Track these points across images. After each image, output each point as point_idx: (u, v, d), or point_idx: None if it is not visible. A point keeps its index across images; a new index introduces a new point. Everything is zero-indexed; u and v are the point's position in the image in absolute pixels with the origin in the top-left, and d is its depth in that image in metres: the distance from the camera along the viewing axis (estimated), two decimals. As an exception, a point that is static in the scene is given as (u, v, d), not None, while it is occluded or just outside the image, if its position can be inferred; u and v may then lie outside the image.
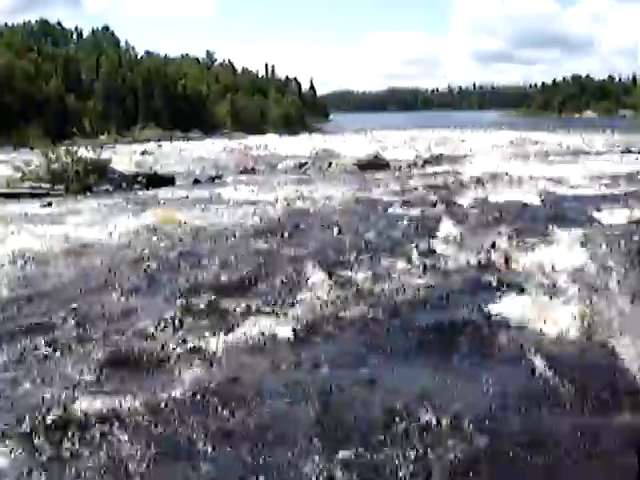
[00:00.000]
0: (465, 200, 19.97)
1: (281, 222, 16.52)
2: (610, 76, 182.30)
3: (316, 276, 11.02)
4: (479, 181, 25.19)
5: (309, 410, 6.28)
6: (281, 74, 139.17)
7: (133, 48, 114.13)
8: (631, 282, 10.42)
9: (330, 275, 10.98)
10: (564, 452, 5.70)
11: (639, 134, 50.23)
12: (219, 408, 6.29)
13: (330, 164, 33.41)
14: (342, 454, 5.50)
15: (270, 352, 7.94)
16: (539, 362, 7.43)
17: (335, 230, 15.29)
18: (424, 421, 6.06)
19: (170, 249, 13.53)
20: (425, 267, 11.74)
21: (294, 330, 8.46)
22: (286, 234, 14.84)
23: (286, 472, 5.31)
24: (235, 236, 14.80)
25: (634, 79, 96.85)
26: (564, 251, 12.57)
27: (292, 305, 9.59)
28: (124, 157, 38.46)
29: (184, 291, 10.35)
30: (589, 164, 32.20)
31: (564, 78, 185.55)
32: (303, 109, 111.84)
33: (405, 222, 16.22)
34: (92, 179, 25.37)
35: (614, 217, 16.74)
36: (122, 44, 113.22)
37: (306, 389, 6.76)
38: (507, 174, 27.56)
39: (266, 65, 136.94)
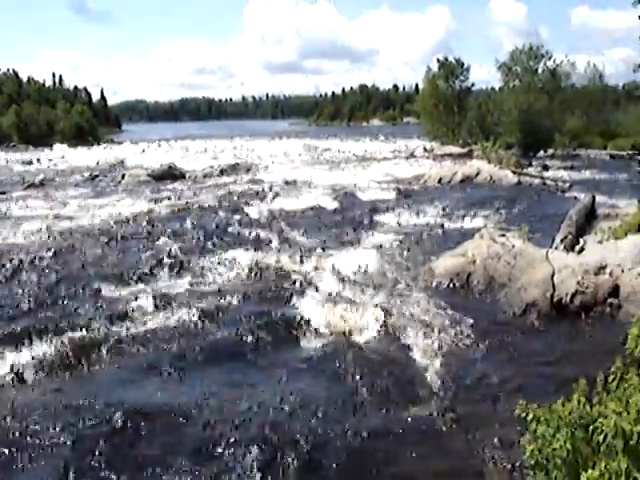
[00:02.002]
0: (261, 208, 20.17)
1: (68, 237, 15.81)
2: (395, 85, 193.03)
3: (108, 292, 10.75)
4: (275, 189, 25.58)
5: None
6: (69, 84, 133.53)
7: None
8: (419, 283, 11.02)
9: (118, 289, 10.86)
10: (369, 446, 5.92)
11: (422, 140, 53.27)
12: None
13: (123, 176, 32.40)
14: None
15: (58, 368, 7.71)
16: (342, 363, 7.67)
17: (128, 243, 14.91)
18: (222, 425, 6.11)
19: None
20: (222, 276, 11.75)
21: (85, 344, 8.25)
22: (74, 249, 14.25)
23: None
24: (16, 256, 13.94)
25: (417, 88, 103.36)
26: (359, 255, 13.05)
27: (84, 320, 9.29)
28: None
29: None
30: (377, 169, 33.75)
31: (352, 88, 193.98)
32: (94, 120, 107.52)
33: (201, 233, 16.08)
34: None
35: (401, 219, 17.69)
36: None
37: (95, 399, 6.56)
38: (301, 181, 28.29)
39: (53, 74, 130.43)
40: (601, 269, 9.77)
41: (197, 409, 6.54)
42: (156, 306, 9.90)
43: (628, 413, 3.33)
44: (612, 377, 4.03)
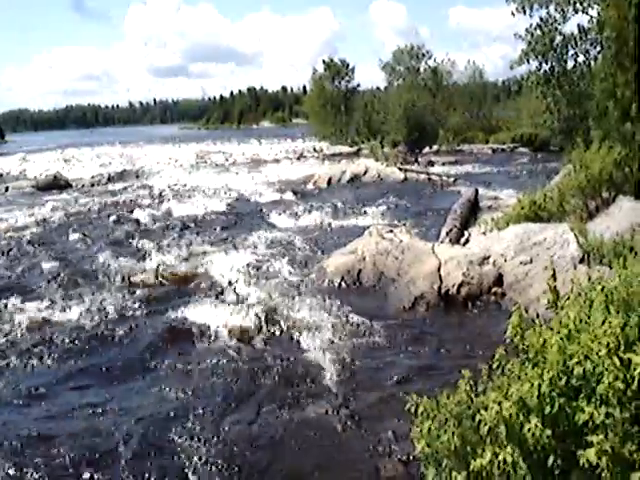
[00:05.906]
0: (151, 214, 19.77)
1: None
2: (283, 87, 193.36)
3: None
4: (166, 194, 25.21)
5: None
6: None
7: None
8: (311, 282, 11.04)
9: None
10: (265, 445, 5.89)
11: (311, 141, 53.67)
12: None
13: (7, 188, 31.08)
14: None
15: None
16: (234, 365, 7.63)
17: (11, 260, 14.30)
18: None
19: None
20: (114, 284, 11.46)
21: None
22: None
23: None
24: None
25: (304, 89, 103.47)
26: (251, 256, 13.05)
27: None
28: None
29: None
30: (268, 171, 33.79)
31: (240, 91, 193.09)
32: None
33: (89, 243, 15.62)
34: None
35: (292, 220, 17.75)
36: None
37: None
38: (193, 185, 27.98)
39: None
40: (485, 259, 10.07)
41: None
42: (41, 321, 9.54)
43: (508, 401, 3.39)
44: (495, 366, 4.10)
